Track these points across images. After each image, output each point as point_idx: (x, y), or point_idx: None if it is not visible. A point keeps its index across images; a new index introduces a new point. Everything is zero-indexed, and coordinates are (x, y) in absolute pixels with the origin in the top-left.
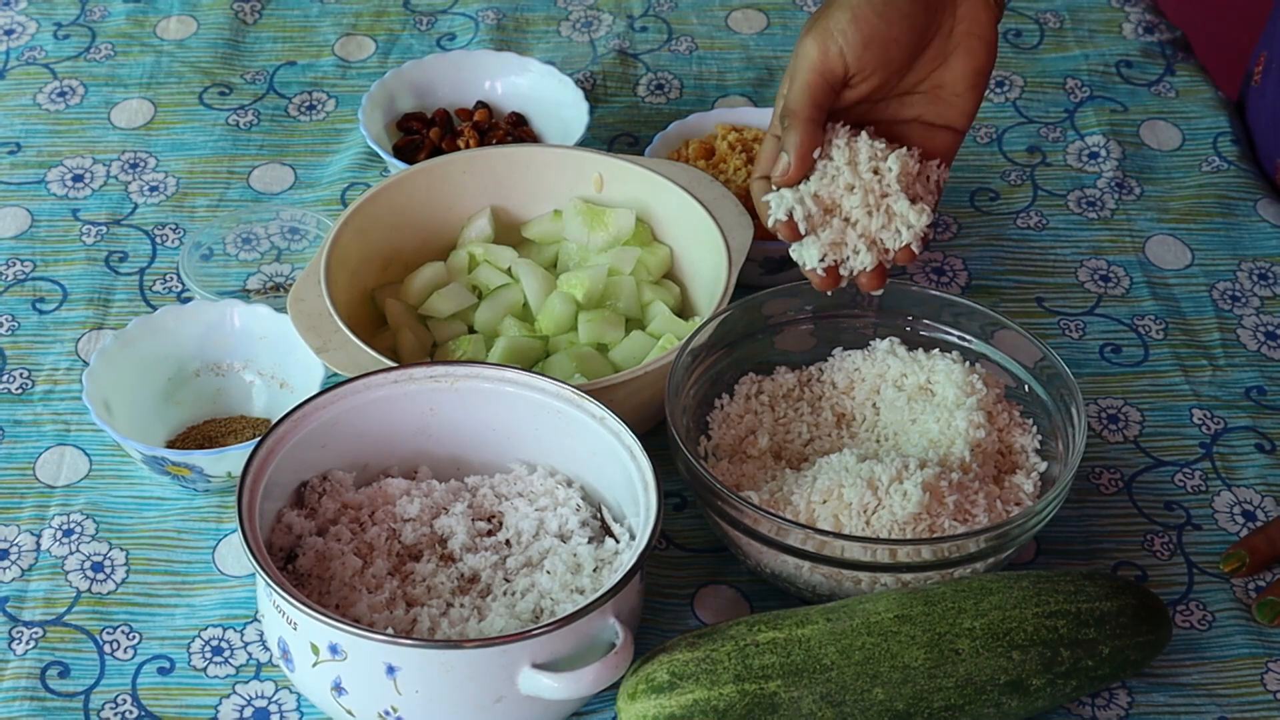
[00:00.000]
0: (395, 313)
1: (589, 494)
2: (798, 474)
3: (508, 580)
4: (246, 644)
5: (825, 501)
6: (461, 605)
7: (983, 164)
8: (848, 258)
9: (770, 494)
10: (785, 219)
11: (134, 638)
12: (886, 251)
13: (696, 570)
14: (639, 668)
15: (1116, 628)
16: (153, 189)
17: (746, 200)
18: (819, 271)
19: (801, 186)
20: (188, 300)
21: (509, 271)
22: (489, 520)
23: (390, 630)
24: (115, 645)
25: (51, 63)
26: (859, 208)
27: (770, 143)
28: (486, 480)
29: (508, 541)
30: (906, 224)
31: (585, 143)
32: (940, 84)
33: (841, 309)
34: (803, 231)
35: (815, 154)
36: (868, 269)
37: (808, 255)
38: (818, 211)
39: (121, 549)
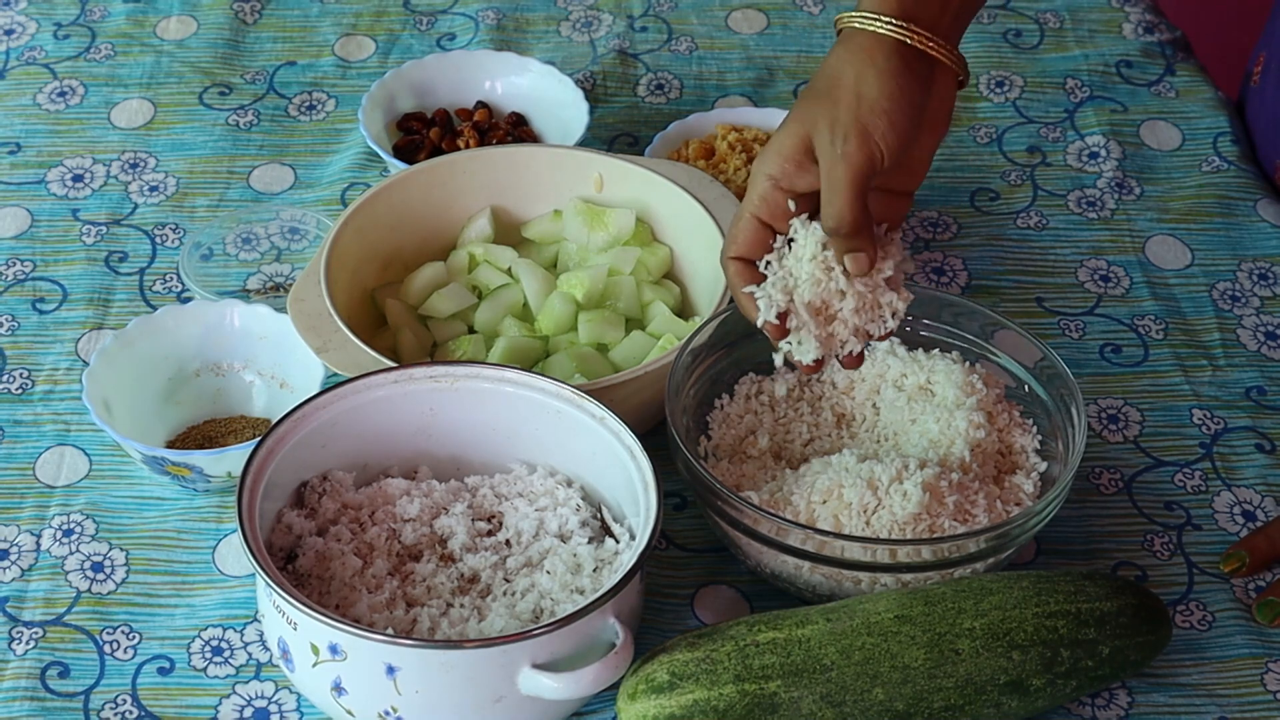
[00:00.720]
0: (395, 313)
1: (589, 494)
2: (798, 474)
3: (508, 580)
4: (246, 644)
5: (825, 501)
6: (461, 605)
7: (983, 164)
8: (836, 350)
9: (770, 494)
10: (776, 322)
11: (134, 638)
12: (869, 335)
13: (696, 570)
14: (639, 668)
15: (1116, 628)
16: (153, 189)
17: None
18: (808, 362)
19: (795, 296)
20: (188, 300)
21: (509, 271)
22: (489, 520)
23: (390, 630)
24: (115, 645)
25: (51, 63)
26: (851, 308)
27: (750, 224)
28: (486, 480)
29: (508, 541)
30: (893, 311)
31: (585, 143)
32: (910, 156)
33: None
34: (790, 329)
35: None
36: (853, 354)
37: (805, 354)
38: (809, 319)
39: (121, 549)
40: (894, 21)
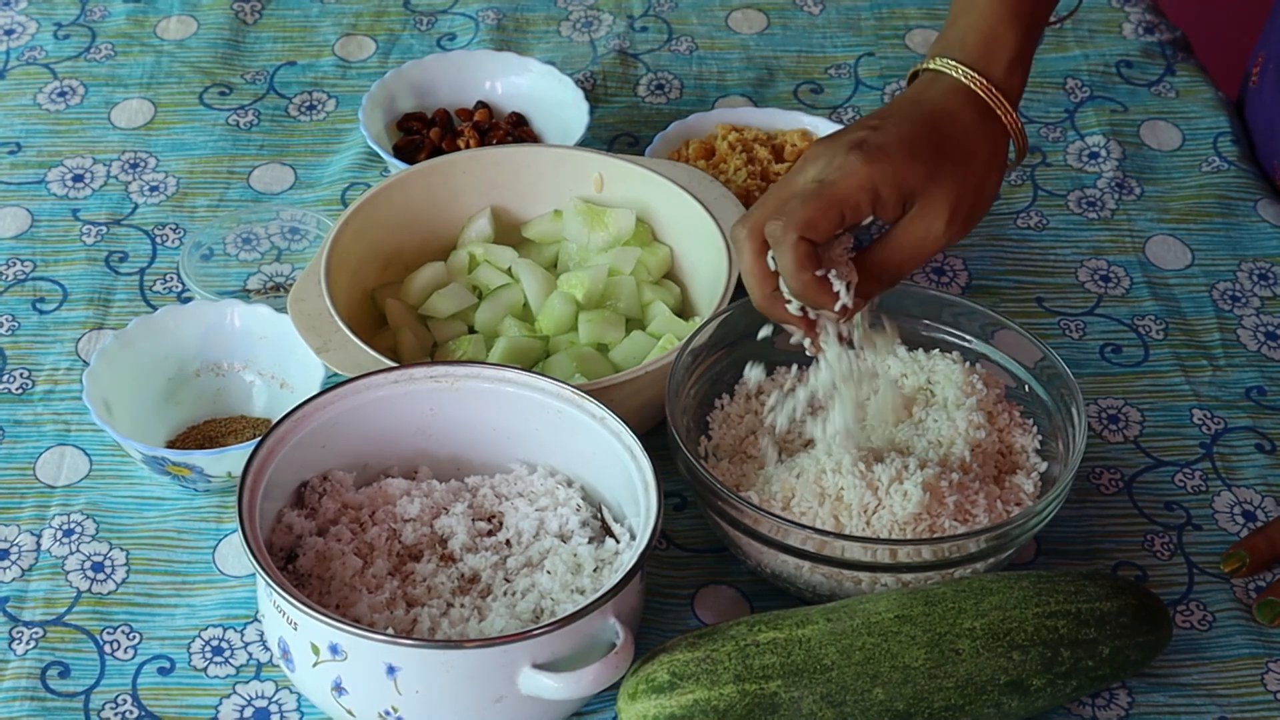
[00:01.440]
0: (395, 313)
1: (589, 494)
2: (796, 472)
3: (508, 580)
4: (247, 644)
5: (825, 502)
6: (462, 605)
7: None
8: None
9: (770, 494)
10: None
11: (134, 638)
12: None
13: (697, 570)
14: (639, 668)
15: (1117, 628)
16: (153, 189)
17: (747, 200)
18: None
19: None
20: (188, 300)
21: (509, 271)
22: (489, 520)
23: (390, 630)
24: (115, 645)
25: (51, 63)
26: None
27: (835, 213)
28: (487, 480)
29: (508, 541)
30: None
31: (585, 143)
32: None
33: None
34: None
35: None
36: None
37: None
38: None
39: (122, 549)
40: (1013, 115)
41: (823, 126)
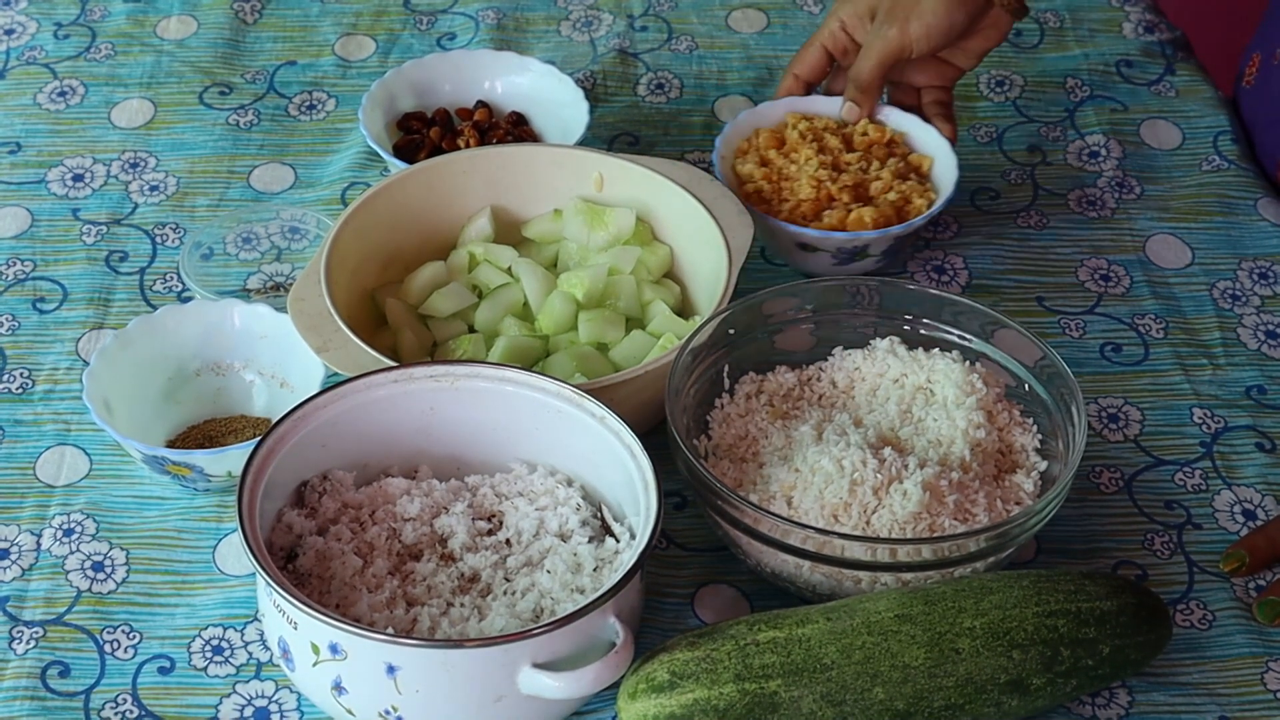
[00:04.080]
0: (395, 312)
1: (589, 493)
2: (797, 471)
3: (508, 580)
4: (247, 643)
5: (825, 502)
6: (462, 605)
7: (983, 163)
8: None
9: (770, 493)
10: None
11: (134, 637)
12: None
13: (697, 570)
14: (639, 667)
15: (1117, 627)
16: (153, 189)
17: (747, 200)
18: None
19: None
20: (188, 300)
21: (509, 271)
22: (489, 520)
23: (390, 630)
24: (116, 645)
25: (52, 62)
26: None
27: (817, 52)
28: (487, 480)
29: (508, 541)
30: None
31: (585, 142)
32: (962, 46)
33: (842, 308)
34: None
35: None
36: None
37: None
38: None
39: (122, 548)
40: None
41: (894, 118)
